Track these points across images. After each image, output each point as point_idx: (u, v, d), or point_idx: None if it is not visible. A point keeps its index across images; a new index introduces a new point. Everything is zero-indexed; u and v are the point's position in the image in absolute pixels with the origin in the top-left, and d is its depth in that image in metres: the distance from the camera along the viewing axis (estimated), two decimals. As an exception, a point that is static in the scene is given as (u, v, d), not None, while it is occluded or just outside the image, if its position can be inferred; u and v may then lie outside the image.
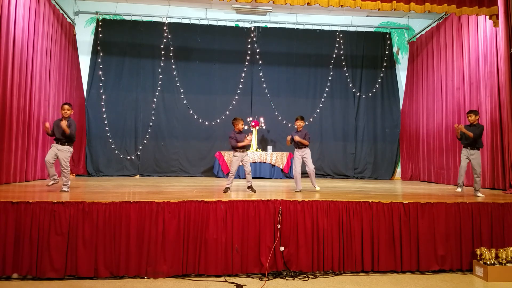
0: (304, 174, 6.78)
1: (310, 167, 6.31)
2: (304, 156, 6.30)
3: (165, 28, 11.14)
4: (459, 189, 6.11)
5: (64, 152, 5.53)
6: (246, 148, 6.05)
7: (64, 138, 5.52)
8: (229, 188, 5.87)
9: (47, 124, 5.54)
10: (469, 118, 6.04)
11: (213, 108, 11.32)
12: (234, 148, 5.95)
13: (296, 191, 6.09)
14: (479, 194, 5.80)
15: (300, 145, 6.28)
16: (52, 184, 5.71)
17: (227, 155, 10.40)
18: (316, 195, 5.55)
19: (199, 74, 11.38)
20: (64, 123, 5.41)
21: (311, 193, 5.89)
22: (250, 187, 5.91)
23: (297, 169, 6.31)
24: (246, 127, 10.79)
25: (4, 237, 4.07)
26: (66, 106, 5.60)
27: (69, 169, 5.60)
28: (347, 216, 4.61)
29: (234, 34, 11.49)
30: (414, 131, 11.16)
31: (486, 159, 7.70)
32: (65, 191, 5.43)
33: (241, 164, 6.01)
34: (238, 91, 11.38)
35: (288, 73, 11.67)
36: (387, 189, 7.37)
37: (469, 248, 4.69)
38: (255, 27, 11.53)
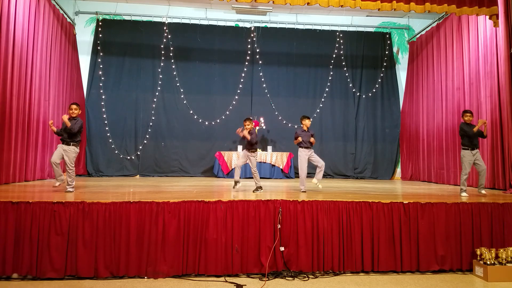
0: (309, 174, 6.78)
1: (322, 162, 6.31)
2: (311, 155, 6.31)
3: (165, 28, 11.13)
4: (465, 194, 5.86)
5: (70, 152, 5.52)
6: (254, 147, 6.13)
7: (69, 138, 5.53)
8: (238, 182, 6.01)
9: (51, 122, 5.63)
10: (469, 117, 6.02)
11: (213, 108, 11.31)
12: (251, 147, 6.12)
13: (302, 191, 6.07)
14: (483, 191, 5.82)
15: (308, 145, 6.29)
16: (59, 184, 5.63)
17: (227, 155, 10.40)
18: (316, 195, 5.55)
19: (199, 74, 11.37)
20: (65, 117, 5.47)
21: (311, 193, 5.89)
22: (257, 189, 6.01)
23: (304, 169, 6.26)
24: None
25: (4, 237, 4.08)
26: (74, 106, 5.65)
27: (74, 169, 5.62)
28: (347, 216, 4.61)
29: (234, 34, 11.49)
30: (414, 131, 11.16)
31: (486, 159, 7.68)
32: (70, 191, 5.43)
33: (246, 162, 6.20)
34: (238, 91, 11.38)
35: (288, 73, 11.66)
36: (387, 189, 7.37)
37: (469, 248, 4.69)
38: (255, 27, 11.52)
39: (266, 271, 4.33)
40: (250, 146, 6.07)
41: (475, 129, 5.90)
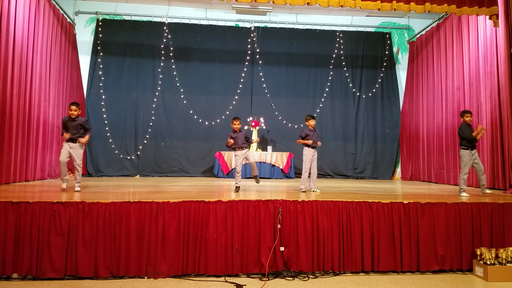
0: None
1: (315, 168, 6.32)
2: (314, 156, 6.30)
3: (165, 28, 11.13)
4: (466, 194, 5.82)
5: (78, 149, 5.58)
6: (243, 146, 6.10)
7: (77, 135, 5.57)
8: (239, 187, 5.98)
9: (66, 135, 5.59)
10: (469, 118, 6.03)
11: (213, 108, 11.32)
12: (232, 148, 6.04)
13: (302, 191, 6.06)
14: (487, 191, 5.85)
15: (315, 145, 6.29)
16: (66, 186, 5.63)
17: (227, 155, 10.40)
18: (316, 195, 5.55)
19: (199, 74, 11.38)
20: (85, 140, 5.62)
21: (311, 193, 5.89)
22: (255, 177, 6.14)
23: (308, 169, 6.22)
24: (246, 127, 10.81)
25: (4, 237, 4.07)
26: (73, 107, 5.61)
27: (81, 166, 5.68)
28: (347, 216, 4.61)
29: (234, 34, 11.49)
30: (414, 131, 11.16)
31: (486, 159, 7.69)
32: (79, 191, 5.50)
33: (246, 161, 6.15)
34: (238, 91, 11.38)
35: (288, 73, 11.67)
36: (387, 189, 7.37)
37: (469, 248, 4.69)
38: (255, 27, 11.52)
39: (266, 271, 4.33)
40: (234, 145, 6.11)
41: (474, 134, 5.89)
